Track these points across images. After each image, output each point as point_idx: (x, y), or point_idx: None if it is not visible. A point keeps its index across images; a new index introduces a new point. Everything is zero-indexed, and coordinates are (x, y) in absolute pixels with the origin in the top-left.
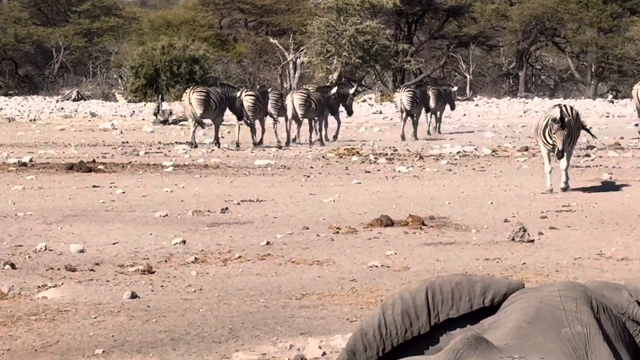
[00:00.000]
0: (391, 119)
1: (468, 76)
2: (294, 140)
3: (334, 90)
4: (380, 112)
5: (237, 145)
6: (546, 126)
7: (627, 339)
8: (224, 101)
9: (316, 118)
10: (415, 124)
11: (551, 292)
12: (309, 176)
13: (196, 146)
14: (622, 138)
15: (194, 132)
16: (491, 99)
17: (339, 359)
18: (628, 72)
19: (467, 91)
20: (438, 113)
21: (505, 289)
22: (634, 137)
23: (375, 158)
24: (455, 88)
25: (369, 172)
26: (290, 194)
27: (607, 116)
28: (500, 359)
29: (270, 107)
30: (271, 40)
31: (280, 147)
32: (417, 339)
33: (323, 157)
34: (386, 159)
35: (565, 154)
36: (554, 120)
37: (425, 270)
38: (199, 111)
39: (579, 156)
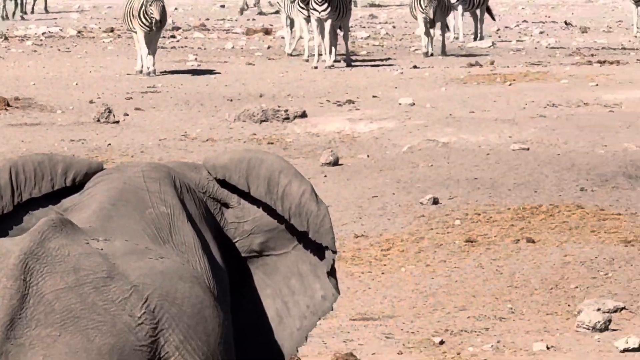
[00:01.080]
0: None
1: None
2: None
3: None
4: None
5: None
6: (142, 6)
7: (209, 217)
8: None
9: None
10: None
11: (135, 173)
12: None
13: None
14: (207, 19)
15: None
16: None
17: None
18: None
19: None
20: None
21: (87, 168)
22: (219, 18)
23: None
24: None
25: None
26: None
27: None
28: (85, 241)
29: None
30: None
31: None
32: (2, 219)
33: None
34: None
35: (156, 37)
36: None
37: (10, 151)
38: None
39: (164, 37)
